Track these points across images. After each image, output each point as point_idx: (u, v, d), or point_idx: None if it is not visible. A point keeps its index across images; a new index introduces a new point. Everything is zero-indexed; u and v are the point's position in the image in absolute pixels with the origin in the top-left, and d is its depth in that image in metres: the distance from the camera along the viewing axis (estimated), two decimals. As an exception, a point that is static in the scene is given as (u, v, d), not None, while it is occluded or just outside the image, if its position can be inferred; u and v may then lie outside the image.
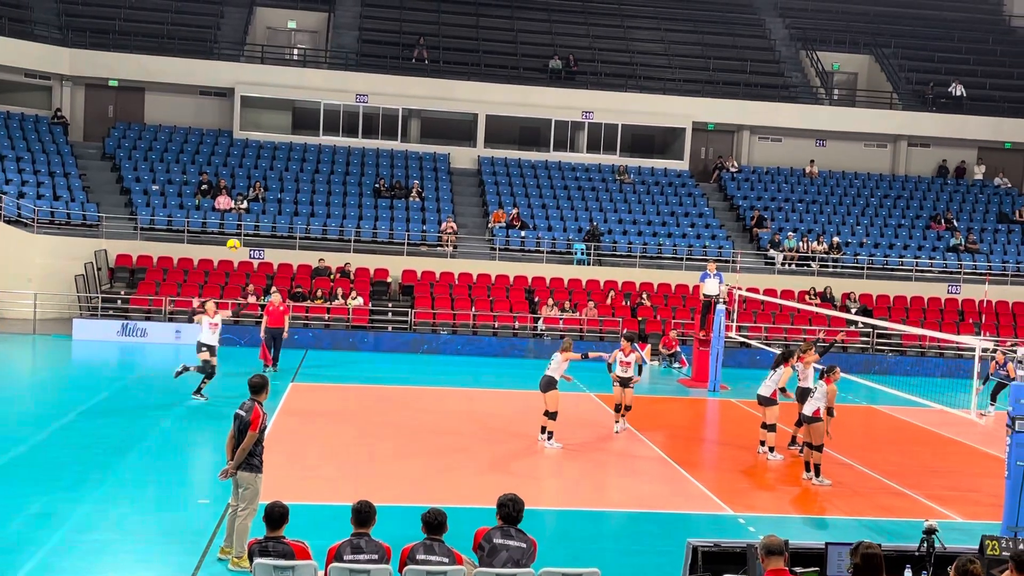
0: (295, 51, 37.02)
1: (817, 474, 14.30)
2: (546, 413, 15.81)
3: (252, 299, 24.60)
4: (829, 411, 14.33)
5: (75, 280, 26.93)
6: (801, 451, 15.10)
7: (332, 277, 28.26)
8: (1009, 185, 36.83)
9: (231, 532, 9.87)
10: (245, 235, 29.23)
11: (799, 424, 15.89)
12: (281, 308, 21.61)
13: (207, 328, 18.12)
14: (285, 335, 21.78)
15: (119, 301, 26.61)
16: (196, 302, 21.98)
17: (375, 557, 7.34)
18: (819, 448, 14.33)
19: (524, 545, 7.55)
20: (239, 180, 31.48)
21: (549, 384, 15.69)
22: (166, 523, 11.13)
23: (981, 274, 31.19)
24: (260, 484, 9.86)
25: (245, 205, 30.11)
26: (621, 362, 16.77)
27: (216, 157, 32.58)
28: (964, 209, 35.22)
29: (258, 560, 7.42)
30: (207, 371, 17.96)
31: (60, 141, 31.72)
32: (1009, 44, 40.85)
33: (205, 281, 27.47)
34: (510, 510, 7.63)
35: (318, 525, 10.55)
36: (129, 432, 15.40)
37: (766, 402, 15.63)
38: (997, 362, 20.36)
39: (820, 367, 15.25)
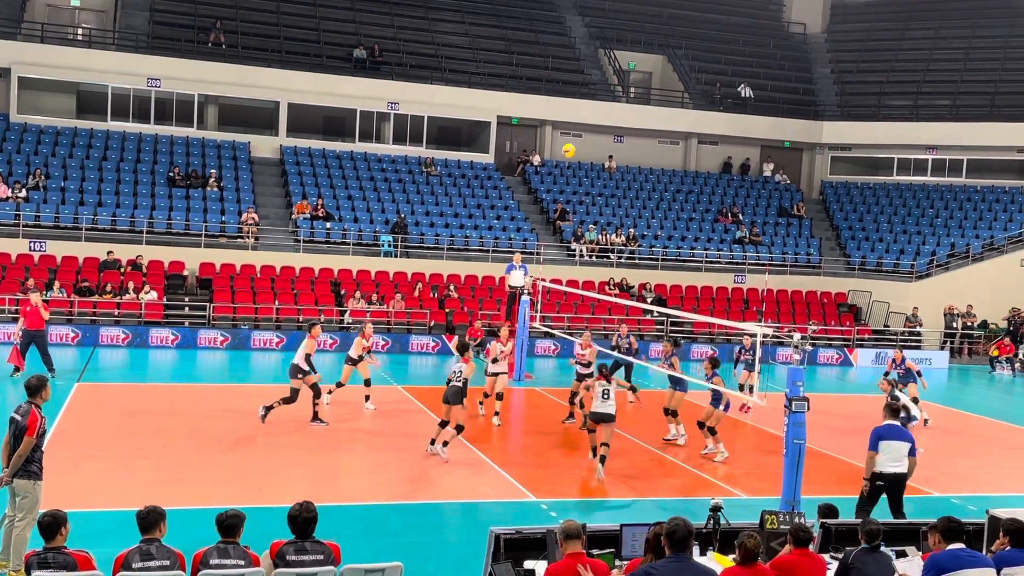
0: (79, 31, 34.74)
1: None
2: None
3: (33, 295, 22.57)
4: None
5: None
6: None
7: (122, 271, 26.77)
8: (788, 181, 39.50)
9: (7, 544, 9.21)
10: (24, 226, 27.22)
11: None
12: (41, 307, 19.91)
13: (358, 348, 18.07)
14: (56, 338, 20.14)
15: None
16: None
17: (167, 564, 7.01)
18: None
19: (321, 557, 7.26)
20: (17, 167, 29.26)
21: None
22: (-69, 539, 10.18)
23: (763, 265, 33.31)
24: (39, 492, 9.24)
25: (24, 194, 28.02)
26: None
27: (-10, 142, 30.17)
28: (748, 204, 37.49)
29: (37, 573, 6.97)
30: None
31: None
32: (788, 49, 43.79)
33: (-22, 275, 25.41)
34: (299, 522, 7.32)
35: (103, 533, 9.98)
36: None
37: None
38: (744, 347, 21.24)
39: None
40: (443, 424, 14.77)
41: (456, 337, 15.46)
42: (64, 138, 31.20)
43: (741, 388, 19.75)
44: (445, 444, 14.62)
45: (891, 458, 11.33)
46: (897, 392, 16.30)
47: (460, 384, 14.56)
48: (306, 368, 16.38)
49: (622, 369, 20.79)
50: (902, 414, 15.51)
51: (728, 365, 23.53)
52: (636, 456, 15.63)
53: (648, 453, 16.07)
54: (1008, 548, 7.64)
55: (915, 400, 19.65)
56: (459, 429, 14.58)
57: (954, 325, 32.67)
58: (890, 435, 11.38)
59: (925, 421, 19.57)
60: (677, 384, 16.66)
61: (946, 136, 37.83)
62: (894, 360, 19.91)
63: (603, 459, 14.35)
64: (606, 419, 14.54)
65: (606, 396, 14.52)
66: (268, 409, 16.39)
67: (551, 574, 6.75)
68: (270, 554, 7.35)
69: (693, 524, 6.60)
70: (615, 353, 20.36)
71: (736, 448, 17.09)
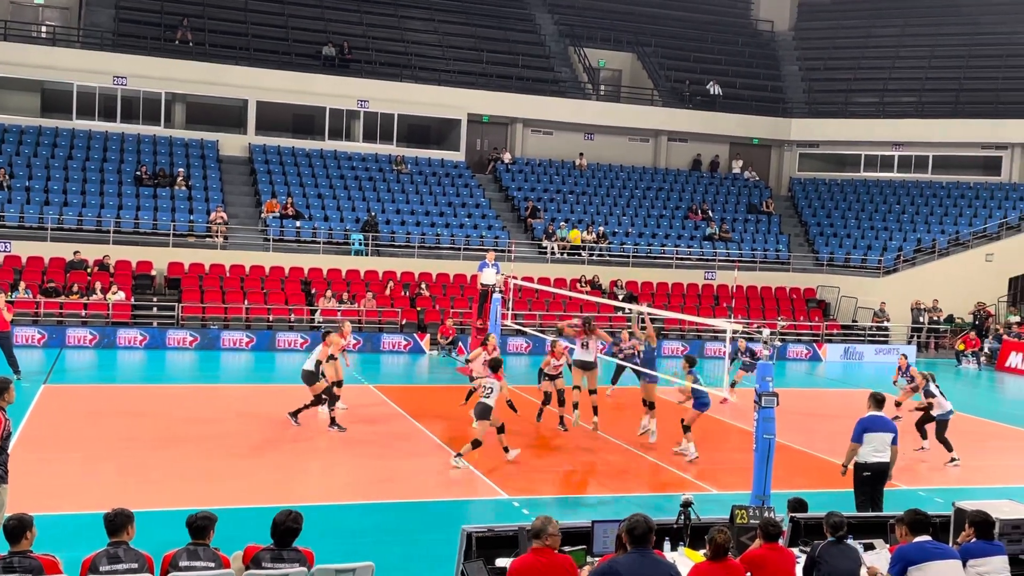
0: (43, 28, 34.29)
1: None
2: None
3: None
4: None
5: None
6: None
7: (89, 271, 26.46)
8: (757, 178, 39.76)
9: (-29, 550, 9.05)
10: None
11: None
12: (4, 309, 19.58)
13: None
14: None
15: None
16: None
17: (135, 566, 6.93)
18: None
19: (296, 566, 7.21)
20: (-20, 166, 28.87)
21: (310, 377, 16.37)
22: None
23: (733, 261, 33.52)
24: (5, 495, 9.13)
25: (-12, 193, 27.65)
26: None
27: (-48, 141, 29.72)
28: (718, 200, 37.70)
29: (1, 578, 6.85)
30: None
31: None
32: (756, 47, 44.07)
33: (-59, 277, 25.01)
34: (280, 530, 7.22)
35: (70, 536, 9.86)
36: None
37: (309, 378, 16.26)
38: (739, 349, 21.93)
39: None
40: (500, 430, 14.66)
41: (492, 356, 15.58)
42: (28, 137, 30.79)
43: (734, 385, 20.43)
44: (458, 455, 14.34)
45: (875, 448, 11.47)
46: (931, 387, 16.36)
47: (489, 401, 14.38)
48: (316, 373, 16.25)
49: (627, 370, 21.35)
50: (937, 411, 15.87)
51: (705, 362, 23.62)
52: (609, 454, 15.68)
53: (621, 451, 16.13)
54: (973, 540, 7.74)
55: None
56: (475, 444, 14.36)
57: (921, 320, 33.06)
58: (875, 426, 11.51)
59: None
60: (647, 376, 16.60)
61: (912, 133, 38.26)
62: (900, 367, 19.96)
63: (595, 408, 15.78)
64: (588, 366, 15.85)
65: (585, 346, 15.63)
66: (333, 422, 16.27)
67: (514, 569, 6.77)
68: (244, 557, 7.28)
69: (654, 520, 6.65)
70: (618, 359, 20.48)
71: (708, 444, 17.18)
